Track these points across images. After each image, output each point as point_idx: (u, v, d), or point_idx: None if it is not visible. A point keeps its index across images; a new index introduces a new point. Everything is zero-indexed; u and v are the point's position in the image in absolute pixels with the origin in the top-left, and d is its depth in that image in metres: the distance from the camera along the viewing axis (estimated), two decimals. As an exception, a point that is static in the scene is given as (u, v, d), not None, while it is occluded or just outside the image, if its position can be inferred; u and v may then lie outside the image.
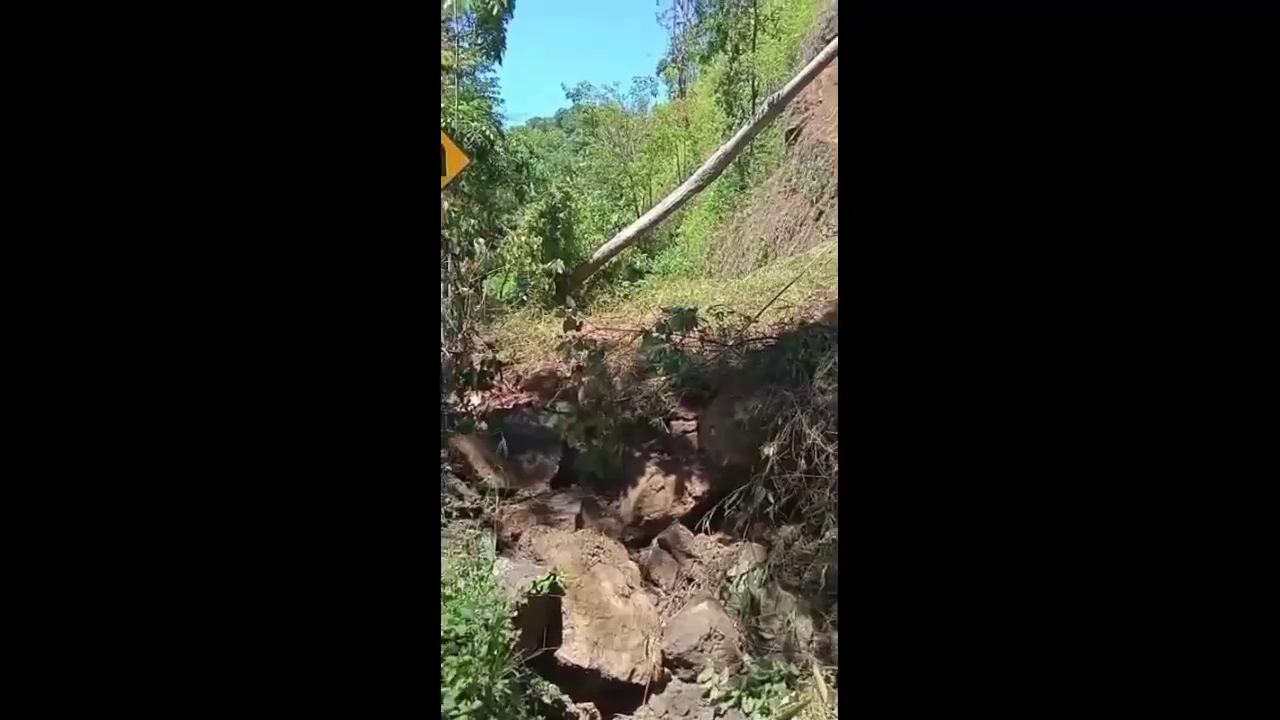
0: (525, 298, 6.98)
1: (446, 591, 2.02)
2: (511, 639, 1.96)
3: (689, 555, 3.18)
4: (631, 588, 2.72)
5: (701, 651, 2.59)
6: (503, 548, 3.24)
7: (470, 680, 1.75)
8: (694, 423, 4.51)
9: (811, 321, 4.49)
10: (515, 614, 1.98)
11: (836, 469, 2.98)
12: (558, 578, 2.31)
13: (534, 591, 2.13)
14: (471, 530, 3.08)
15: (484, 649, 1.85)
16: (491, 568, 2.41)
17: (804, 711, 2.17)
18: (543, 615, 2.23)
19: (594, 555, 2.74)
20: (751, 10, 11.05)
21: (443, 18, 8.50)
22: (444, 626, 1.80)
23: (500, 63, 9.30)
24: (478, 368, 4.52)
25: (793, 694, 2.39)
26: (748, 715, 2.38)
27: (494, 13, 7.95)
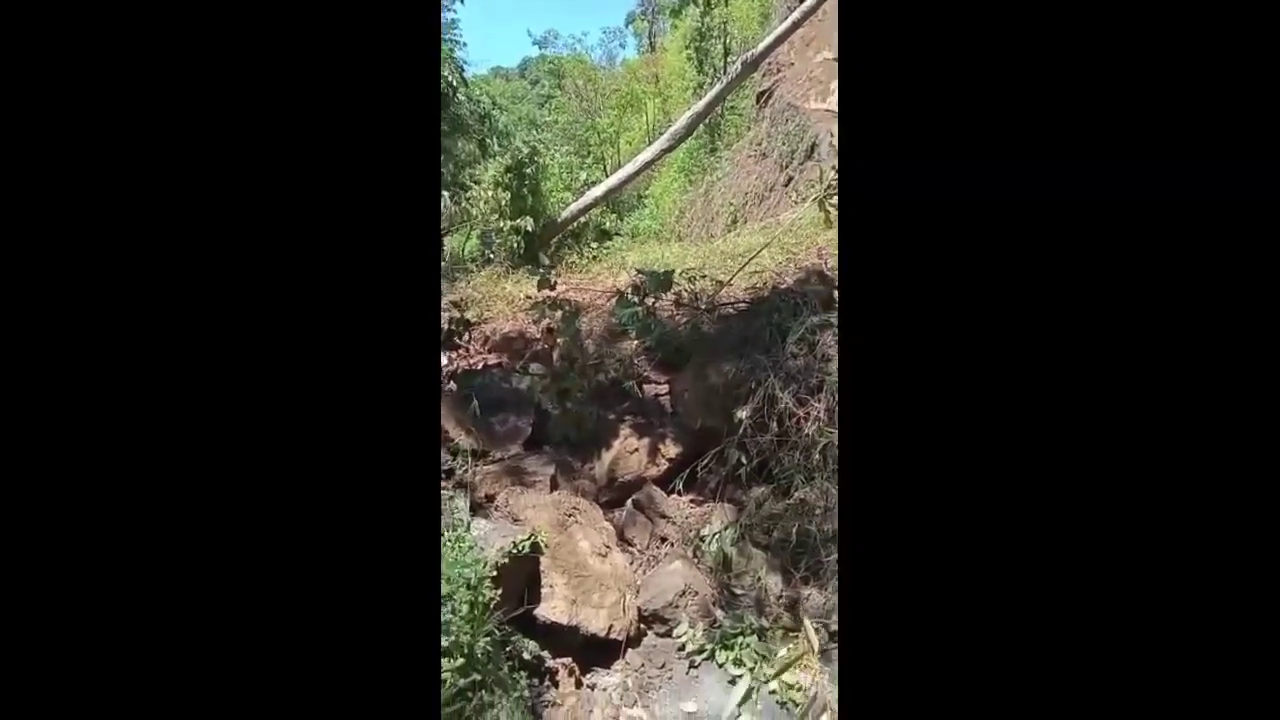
0: (491, 256, 6.76)
1: (425, 553, 1.99)
2: (492, 598, 1.96)
3: (662, 515, 3.23)
4: (608, 547, 2.76)
5: (676, 608, 2.66)
6: (476, 509, 3.21)
7: (452, 638, 1.74)
8: (666, 386, 4.54)
9: (783, 287, 4.53)
10: (495, 573, 1.97)
11: (807, 432, 3.06)
12: (538, 538, 2.31)
13: (514, 551, 2.12)
14: (445, 492, 3.04)
15: (465, 608, 1.84)
16: (468, 528, 2.39)
17: (798, 663, 2.27)
18: (522, 574, 2.23)
19: (570, 516, 2.75)
20: (726, -38, 10.66)
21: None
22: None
23: (462, 2, 8.72)
24: (445, 327, 4.39)
25: (787, 647, 2.49)
26: (720, 666, 2.47)
27: (457, -54, 7.40)
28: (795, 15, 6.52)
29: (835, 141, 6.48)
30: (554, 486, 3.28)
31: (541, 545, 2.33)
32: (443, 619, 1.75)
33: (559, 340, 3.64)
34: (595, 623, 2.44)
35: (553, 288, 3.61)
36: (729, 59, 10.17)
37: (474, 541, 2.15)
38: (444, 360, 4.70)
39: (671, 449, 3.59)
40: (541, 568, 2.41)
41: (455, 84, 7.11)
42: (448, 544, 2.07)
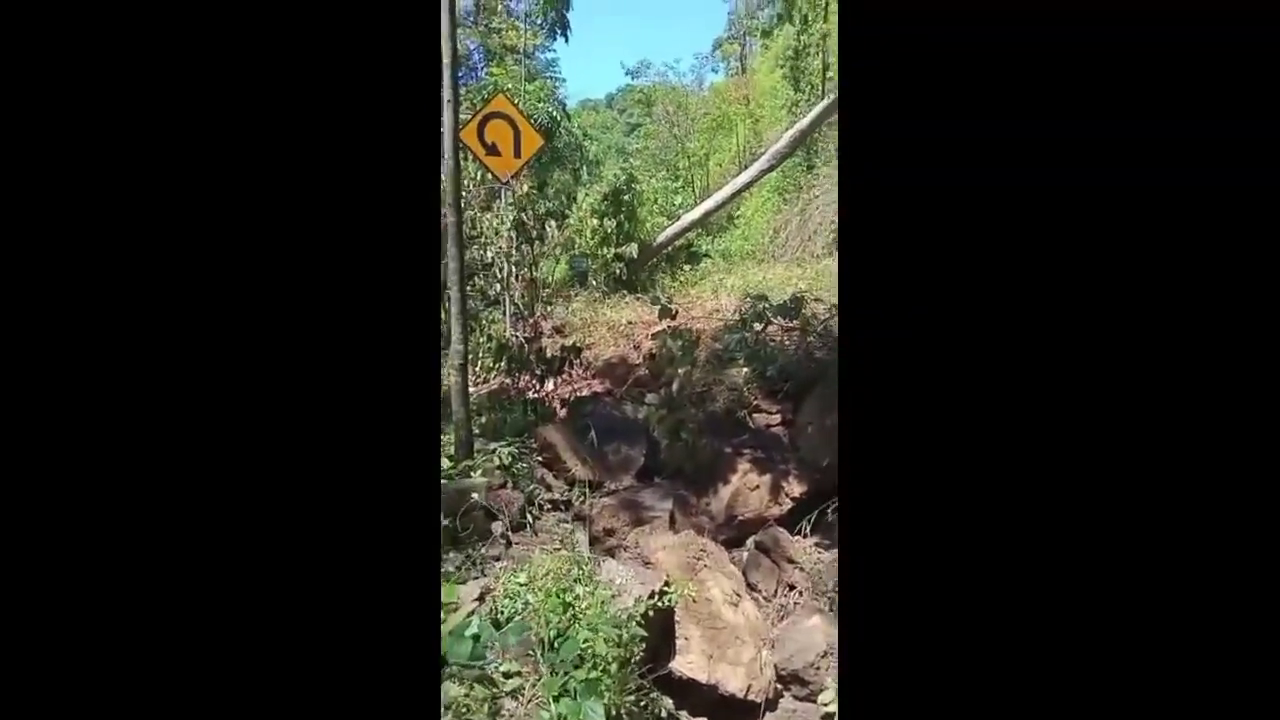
0: (593, 281, 6.83)
1: (566, 598, 1.90)
2: (638, 653, 1.82)
3: (790, 560, 2.99)
4: (739, 595, 2.56)
5: (818, 669, 2.41)
6: (594, 543, 3.13)
7: (605, 701, 1.62)
8: (778, 416, 4.30)
9: (910, 311, 4.18)
10: (644, 630, 1.83)
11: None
12: (680, 589, 2.16)
13: (656, 604, 1.98)
14: (565, 525, 2.98)
15: (615, 666, 1.71)
16: (597, 569, 2.28)
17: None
18: (659, 625, 2.08)
19: (698, 559, 2.58)
20: (822, -22, 10.45)
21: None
22: (580, 642, 1.67)
23: (566, 41, 9.09)
24: (553, 352, 4.42)
25: None
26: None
27: (556, -9, 7.76)
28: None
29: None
30: (673, 522, 3.13)
31: (682, 596, 2.17)
32: (594, 678, 1.63)
33: (669, 369, 3.52)
34: (733, 682, 2.24)
35: (673, 316, 3.50)
36: (828, 75, 9.87)
37: (611, 587, 2.03)
38: (550, 386, 4.74)
39: (795, 487, 3.34)
40: (675, 617, 2.25)
41: (559, 118, 7.38)
42: (587, 590, 1.96)
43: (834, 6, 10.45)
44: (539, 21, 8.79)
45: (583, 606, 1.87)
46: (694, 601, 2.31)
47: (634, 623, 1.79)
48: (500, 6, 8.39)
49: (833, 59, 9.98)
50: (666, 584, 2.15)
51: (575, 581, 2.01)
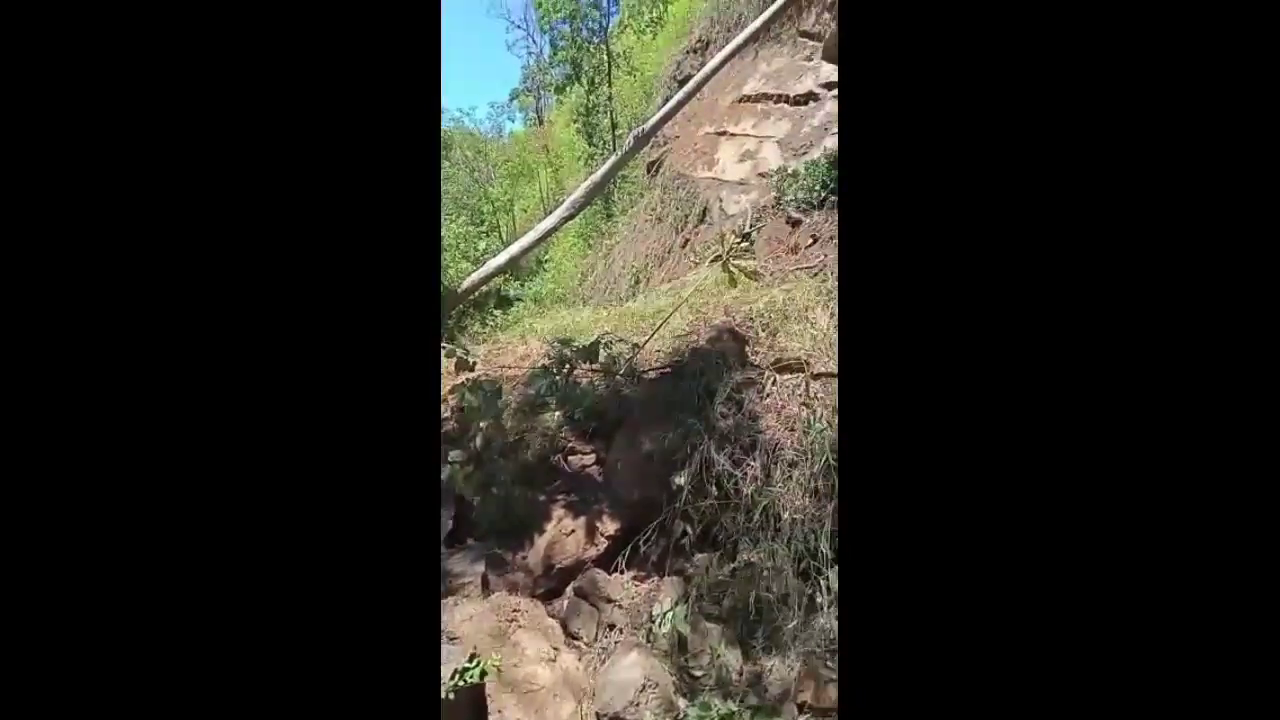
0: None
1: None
2: (439, 745, 1.67)
3: (608, 600, 3.03)
4: (555, 649, 2.50)
5: (638, 705, 2.45)
6: (397, 627, 2.81)
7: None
8: (593, 456, 4.38)
9: (700, 347, 4.63)
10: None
11: (747, 493, 3.05)
12: (484, 663, 2.03)
13: (458, 684, 1.84)
14: (358, 613, 2.63)
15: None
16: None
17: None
18: (468, 703, 1.93)
19: (511, 621, 2.48)
20: (604, 47, 11.43)
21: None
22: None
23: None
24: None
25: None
26: (694, 764, 2.28)
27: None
28: (679, 95, 7.07)
29: (724, 207, 6.93)
30: (485, 585, 2.97)
31: (488, 670, 2.05)
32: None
33: (479, 424, 3.39)
34: (554, 744, 2.16)
35: (472, 368, 3.39)
36: (616, 132, 10.71)
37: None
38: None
39: (610, 525, 3.41)
40: (488, 690, 2.11)
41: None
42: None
43: (615, 73, 11.49)
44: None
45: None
46: (501, 670, 2.20)
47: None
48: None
49: (620, 119, 10.90)
50: (471, 659, 2.01)
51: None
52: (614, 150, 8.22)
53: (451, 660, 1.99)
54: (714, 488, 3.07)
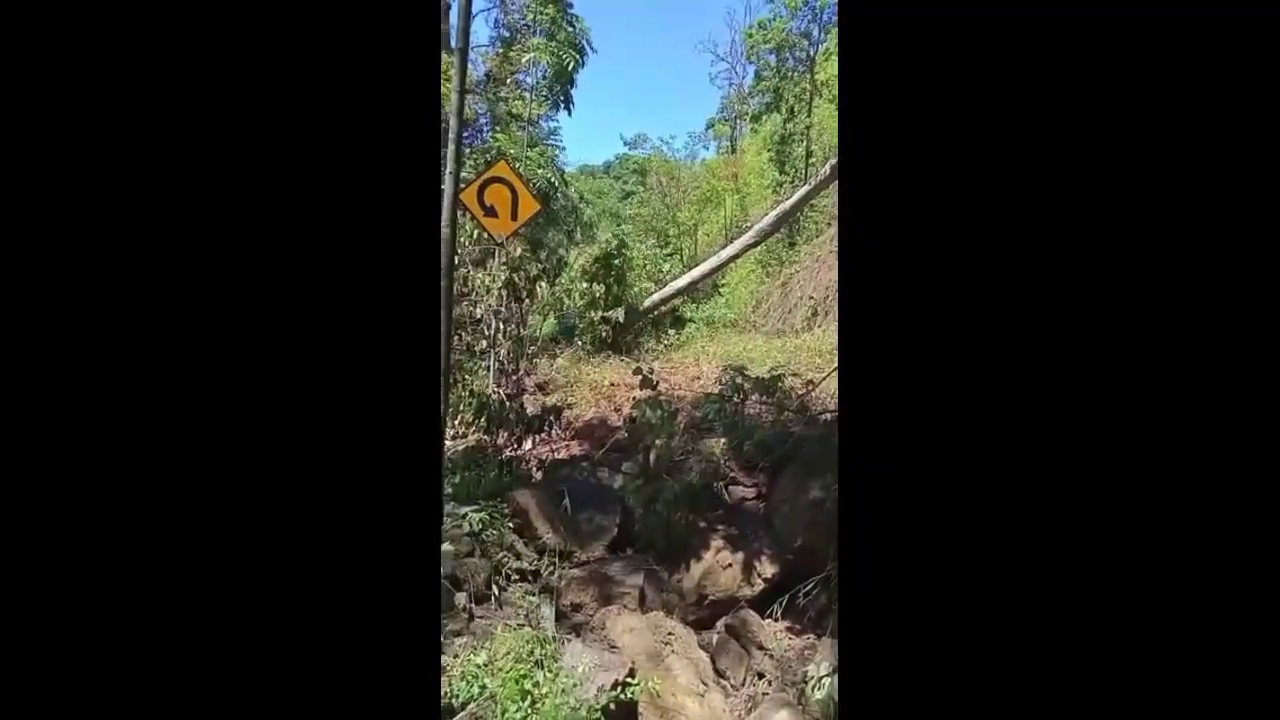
0: (579, 340, 6.89)
1: (525, 685, 1.82)
2: (597, 749, 1.74)
3: (759, 647, 2.91)
4: (704, 684, 2.47)
5: (785, 768, 2.30)
6: (561, 618, 3.02)
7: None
8: (754, 490, 4.28)
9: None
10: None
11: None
12: (642, 682, 2.08)
13: (618, 695, 1.90)
14: (531, 598, 2.88)
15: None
16: (559, 648, 2.20)
17: None
18: (621, 717, 1.99)
19: (666, 644, 2.50)
20: (809, 76, 11.30)
21: (516, 70, 8.93)
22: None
23: (570, 114, 9.59)
24: (534, 410, 4.40)
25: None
26: None
27: (568, 68, 8.25)
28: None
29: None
30: (643, 599, 3.05)
31: (644, 689, 2.10)
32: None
33: (654, 439, 3.52)
34: (695, 781, 2.13)
35: (655, 387, 3.54)
36: (810, 161, 10.49)
37: (573, 676, 1.95)
38: (529, 445, 4.69)
39: (768, 567, 3.30)
40: (639, 709, 2.16)
41: (556, 184, 7.69)
42: (547, 677, 1.89)
43: (817, 102, 11.26)
44: (544, 94, 9.30)
45: (542, 693, 1.80)
46: (658, 696, 2.23)
47: (588, 712, 1.72)
48: (510, 79, 8.89)
49: (815, 147, 10.65)
50: (630, 674, 2.08)
51: (536, 665, 1.94)
52: (805, 179, 8.05)
53: (611, 670, 2.07)
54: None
